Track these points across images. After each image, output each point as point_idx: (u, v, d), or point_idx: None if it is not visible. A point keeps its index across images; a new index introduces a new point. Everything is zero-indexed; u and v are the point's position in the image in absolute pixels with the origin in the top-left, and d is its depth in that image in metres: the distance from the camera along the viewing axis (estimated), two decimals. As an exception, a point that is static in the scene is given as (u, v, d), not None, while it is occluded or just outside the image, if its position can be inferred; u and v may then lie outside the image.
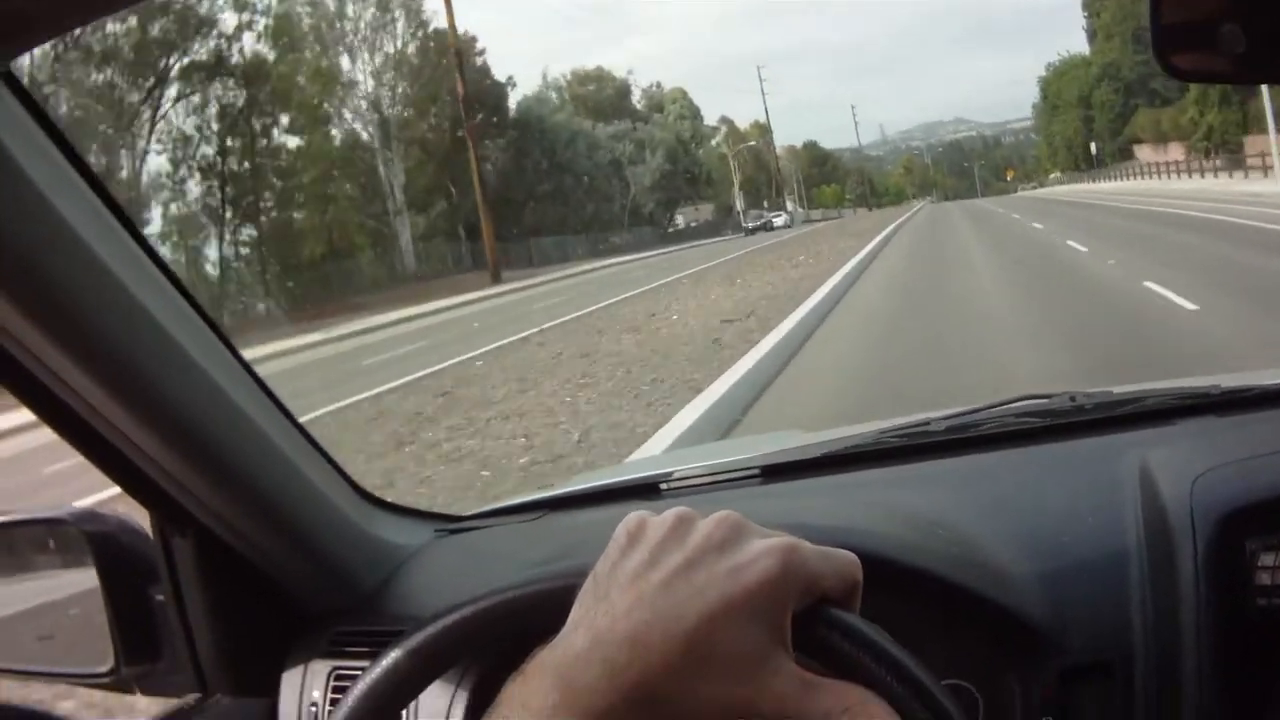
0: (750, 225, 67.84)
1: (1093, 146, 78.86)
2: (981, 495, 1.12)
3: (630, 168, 64.84)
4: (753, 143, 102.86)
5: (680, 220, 75.75)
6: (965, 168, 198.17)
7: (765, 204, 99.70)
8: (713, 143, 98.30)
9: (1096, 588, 0.96)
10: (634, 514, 0.60)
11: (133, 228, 0.85)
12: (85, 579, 1.08)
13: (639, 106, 79.23)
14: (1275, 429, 1.16)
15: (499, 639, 0.75)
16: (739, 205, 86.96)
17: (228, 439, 0.93)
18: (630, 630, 0.52)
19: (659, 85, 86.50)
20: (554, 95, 69.38)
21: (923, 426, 1.28)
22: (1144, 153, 70.01)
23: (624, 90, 78.86)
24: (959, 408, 1.31)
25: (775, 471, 1.29)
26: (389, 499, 1.20)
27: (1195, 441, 1.14)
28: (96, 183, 0.82)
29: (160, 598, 1.09)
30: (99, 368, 0.83)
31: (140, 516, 1.06)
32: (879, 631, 0.58)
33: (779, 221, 71.88)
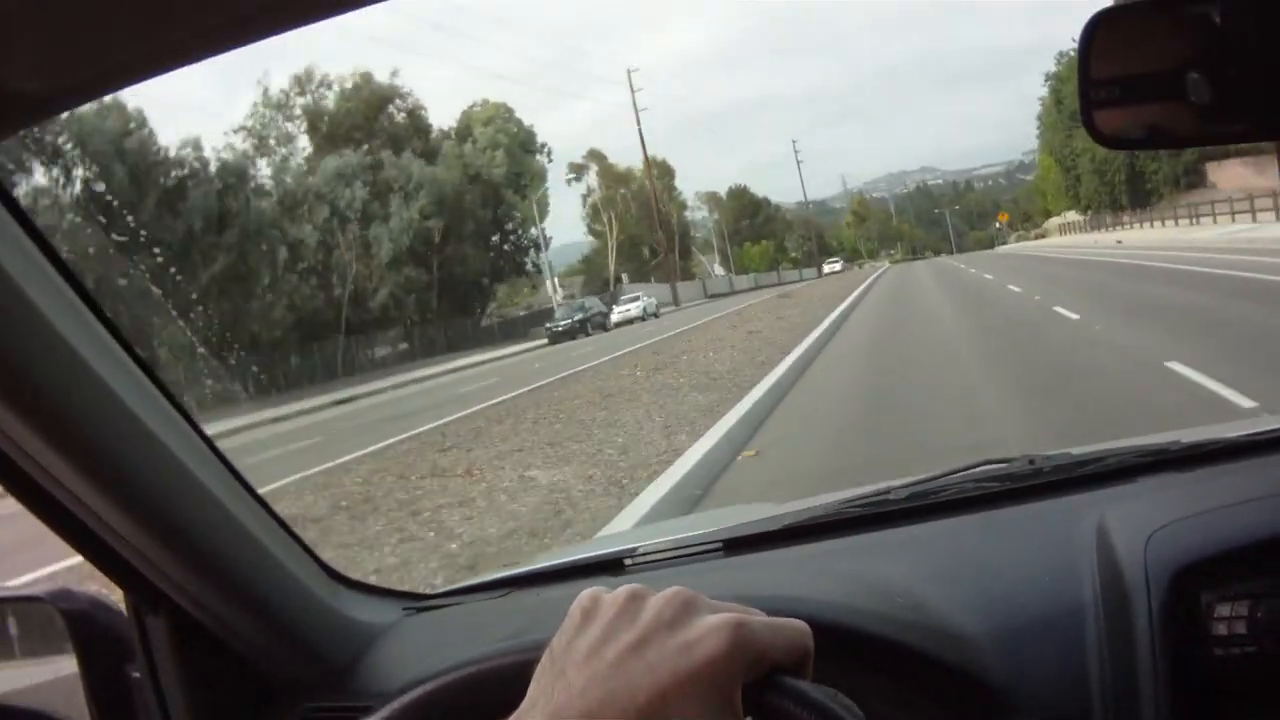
0: (562, 323, 45.83)
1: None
2: (940, 561, 1.20)
3: (376, 226, 45.29)
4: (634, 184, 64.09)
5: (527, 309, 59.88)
6: (936, 215, 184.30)
7: (648, 277, 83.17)
8: (579, 184, 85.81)
9: (1054, 647, 1.02)
10: (588, 591, 0.65)
11: (100, 311, 0.94)
12: (62, 657, 1.18)
13: (434, 130, 57.02)
14: (1233, 482, 1.22)
15: (462, 713, 0.82)
16: (618, 278, 74.11)
17: (197, 519, 1.04)
18: (585, 708, 0.57)
19: (481, 103, 61.44)
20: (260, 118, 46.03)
21: (883, 495, 1.39)
22: (1226, 175, 47.56)
23: (379, 101, 53.98)
24: (919, 475, 1.41)
25: (737, 545, 1.39)
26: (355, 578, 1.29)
27: (1152, 498, 1.21)
28: (64, 267, 0.90)
29: (136, 674, 1.18)
30: (71, 450, 0.92)
31: (115, 594, 1.15)
32: (831, 695, 0.63)
33: (631, 311, 49.90)
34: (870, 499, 1.41)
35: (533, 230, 56.63)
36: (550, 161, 63.74)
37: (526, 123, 59.36)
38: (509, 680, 0.69)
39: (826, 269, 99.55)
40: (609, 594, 0.65)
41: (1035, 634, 1.04)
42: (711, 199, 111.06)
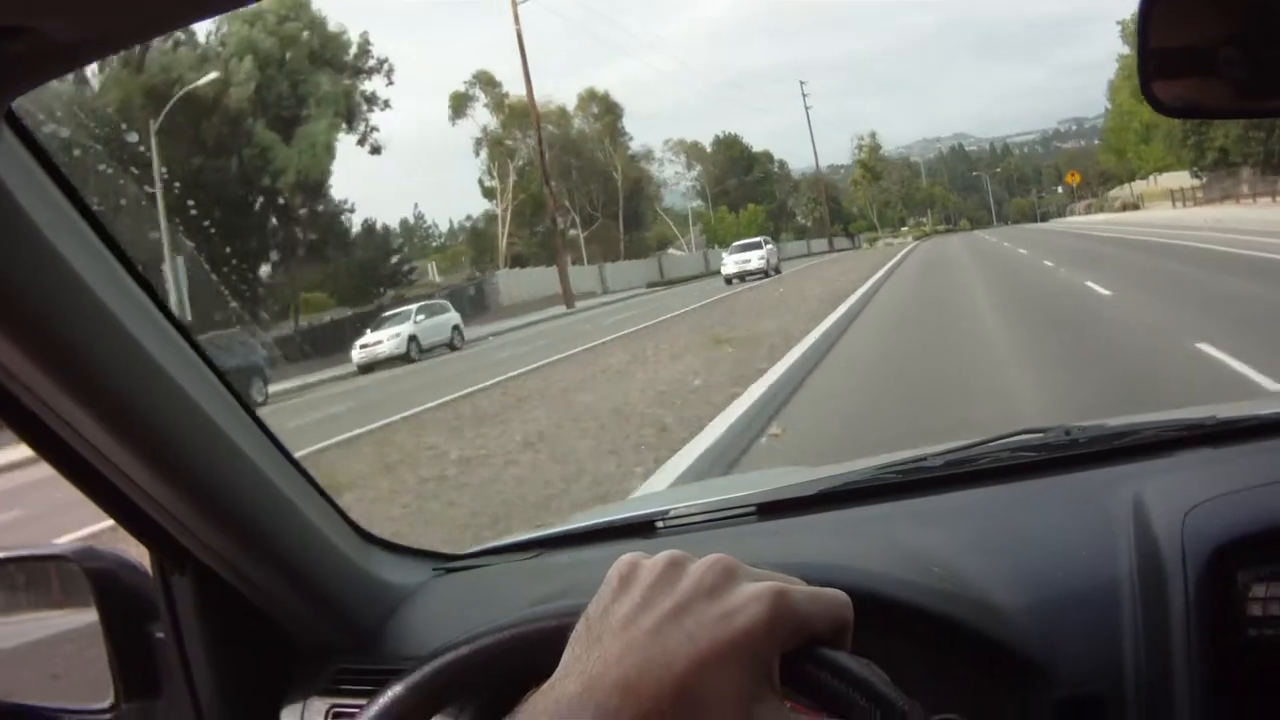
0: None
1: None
2: (977, 530, 1.25)
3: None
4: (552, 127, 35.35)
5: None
6: (972, 179, 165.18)
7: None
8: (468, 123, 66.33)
9: (1089, 621, 1.06)
10: (626, 556, 0.67)
11: (133, 267, 0.98)
12: (86, 615, 1.24)
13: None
14: (1270, 460, 1.27)
15: (494, 678, 0.85)
16: (516, 259, 59.66)
17: (226, 477, 1.09)
18: (622, 676, 0.59)
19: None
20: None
21: (920, 462, 1.45)
22: None
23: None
24: (956, 442, 1.48)
25: (771, 509, 1.44)
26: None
27: (1189, 474, 1.25)
28: (98, 223, 0.94)
29: (160, 634, 1.23)
30: (100, 407, 0.96)
31: (140, 554, 1.22)
32: (869, 667, 0.65)
33: (384, 348, 30.35)
34: (907, 465, 1.47)
35: (331, 190, 43.84)
36: (365, 77, 48.24)
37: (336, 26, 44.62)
38: (542, 645, 0.71)
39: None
40: (648, 559, 0.66)
41: (1070, 607, 1.07)
42: (691, 150, 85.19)
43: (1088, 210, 77.57)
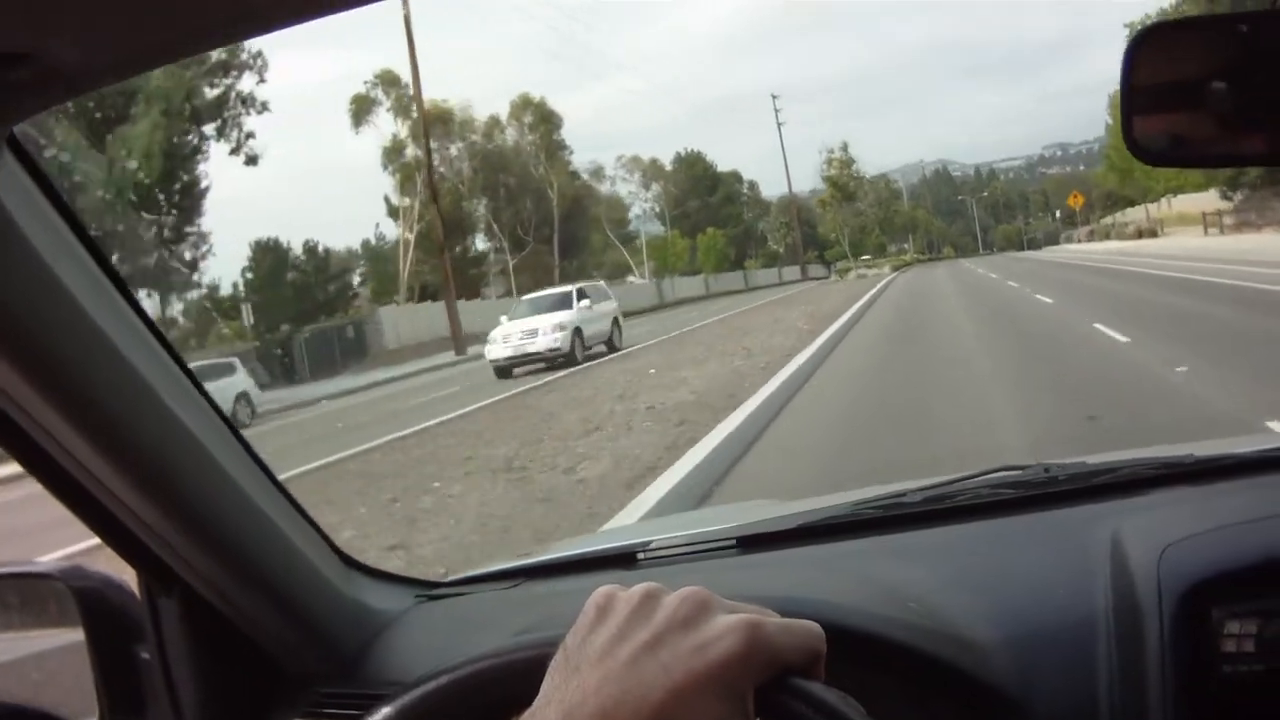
0: None
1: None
2: (954, 566, 1.26)
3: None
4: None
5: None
6: (957, 204, 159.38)
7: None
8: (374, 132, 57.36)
9: (1065, 658, 1.08)
10: (603, 588, 0.69)
11: (128, 292, 1.00)
12: (73, 634, 1.26)
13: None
14: (1247, 498, 1.29)
15: (475, 707, 0.85)
16: (427, 292, 51.20)
17: (213, 501, 1.11)
18: (599, 707, 0.60)
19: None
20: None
21: (899, 498, 1.48)
22: None
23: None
24: (935, 479, 1.50)
25: (751, 542, 1.47)
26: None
27: (1166, 512, 1.28)
28: (95, 248, 0.97)
29: (145, 655, 1.24)
30: (91, 428, 0.98)
31: (127, 574, 1.23)
32: (842, 698, 0.66)
33: None
34: (885, 501, 1.48)
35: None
36: (229, 74, 41.38)
37: None
38: (522, 675, 0.72)
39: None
40: (624, 591, 0.68)
41: (1047, 644, 1.09)
42: (649, 168, 75.54)
43: (1090, 237, 66.98)
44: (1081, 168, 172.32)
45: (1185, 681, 1.00)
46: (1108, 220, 67.72)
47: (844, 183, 71.62)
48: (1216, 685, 1.01)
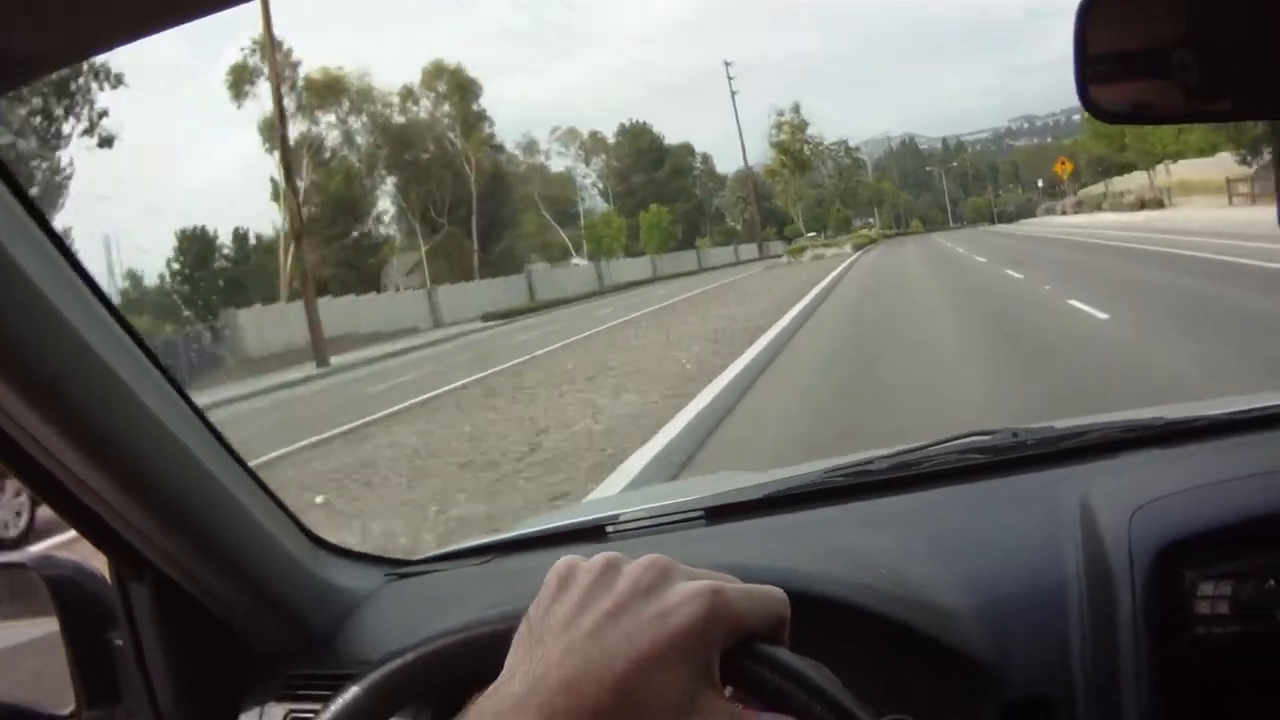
0: None
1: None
2: (923, 533, 1.29)
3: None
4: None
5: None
6: (924, 176, 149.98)
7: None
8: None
9: (1036, 622, 1.11)
10: (564, 559, 0.71)
11: (86, 275, 1.02)
12: (46, 623, 1.29)
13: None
14: (1218, 460, 1.32)
15: (443, 682, 0.88)
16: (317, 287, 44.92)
17: (181, 484, 1.14)
18: (564, 677, 0.62)
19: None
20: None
21: (865, 465, 1.52)
22: None
23: None
24: (902, 446, 1.54)
25: (719, 513, 1.50)
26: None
27: (1136, 474, 1.30)
28: (50, 230, 0.98)
29: (119, 642, 1.28)
30: (56, 413, 1.00)
31: (98, 561, 1.27)
32: (809, 664, 0.68)
33: None
34: (852, 469, 1.51)
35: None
36: None
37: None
38: (488, 649, 0.74)
39: None
40: (585, 562, 0.70)
41: (1017, 608, 1.11)
42: (591, 141, 67.96)
43: (1078, 208, 59.28)
44: (1049, 139, 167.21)
45: (1158, 644, 1.02)
46: (1095, 189, 60.03)
47: (795, 149, 61.91)
48: (1189, 647, 1.02)
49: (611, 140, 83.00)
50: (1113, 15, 0.88)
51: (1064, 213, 66.19)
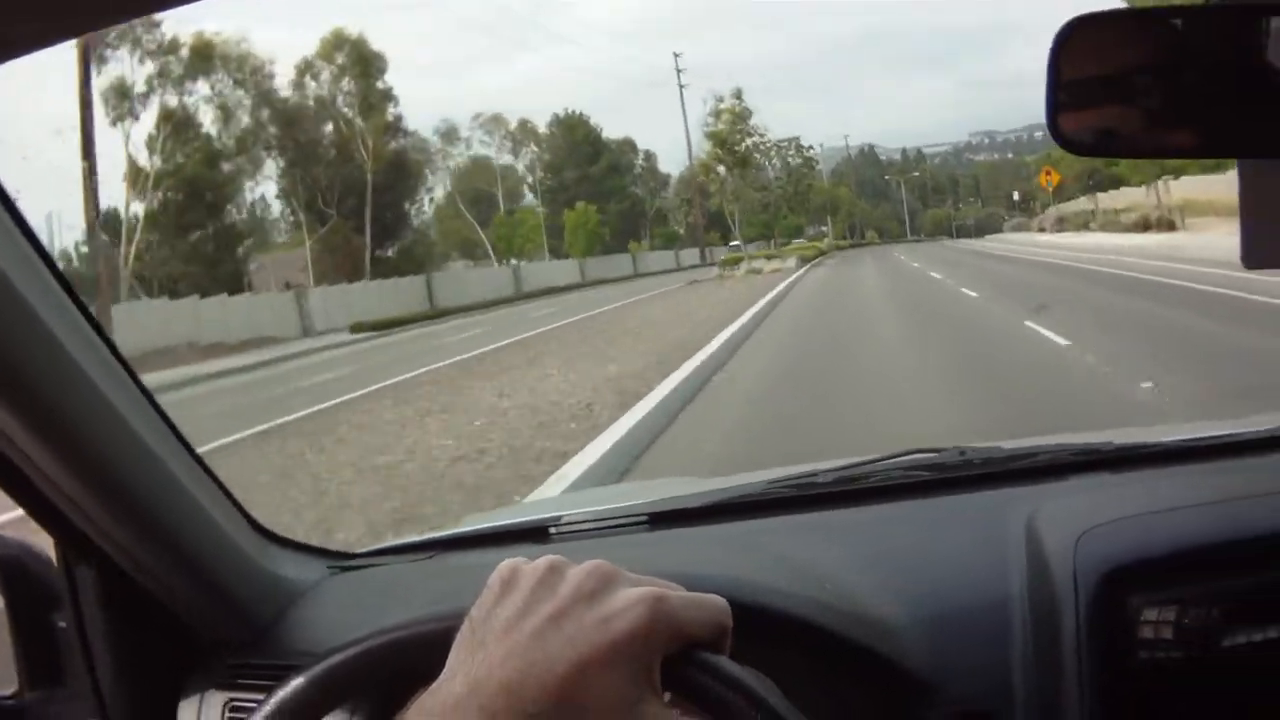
0: None
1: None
2: (866, 547, 1.34)
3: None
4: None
5: None
6: (882, 185, 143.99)
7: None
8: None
9: (978, 639, 1.15)
10: (507, 562, 0.74)
11: (44, 253, 1.05)
12: None
13: None
14: (1166, 487, 1.37)
15: (384, 679, 0.92)
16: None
17: (129, 469, 1.18)
18: (505, 679, 0.65)
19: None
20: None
21: (810, 478, 1.56)
22: None
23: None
24: (849, 459, 1.60)
25: (663, 519, 1.55)
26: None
27: (1084, 498, 1.35)
28: (10, 204, 1.02)
29: (63, 624, 1.31)
30: (7, 395, 1.03)
31: (46, 542, 1.30)
32: (749, 673, 0.71)
33: None
34: (798, 480, 1.56)
35: None
36: None
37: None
38: (430, 647, 0.75)
39: None
40: (528, 565, 0.73)
41: (959, 626, 1.16)
42: (521, 130, 60.67)
43: (1060, 226, 51.45)
44: (1010, 155, 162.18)
45: (1101, 667, 1.05)
46: (1074, 205, 52.74)
47: (734, 141, 49.59)
48: (1133, 671, 1.06)
49: (544, 130, 77.35)
50: (1089, 44, 0.89)
51: (1042, 230, 59.40)
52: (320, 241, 51.76)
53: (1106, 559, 1.09)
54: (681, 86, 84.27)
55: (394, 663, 0.87)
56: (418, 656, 0.82)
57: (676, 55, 76.30)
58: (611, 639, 0.65)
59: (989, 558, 1.21)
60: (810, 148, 54.80)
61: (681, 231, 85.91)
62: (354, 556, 1.58)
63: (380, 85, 55.89)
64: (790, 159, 55.59)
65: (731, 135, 49.39)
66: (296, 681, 0.88)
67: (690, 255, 77.35)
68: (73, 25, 0.78)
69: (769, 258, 48.57)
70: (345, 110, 55.11)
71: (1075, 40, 0.89)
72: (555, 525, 1.55)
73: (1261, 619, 1.07)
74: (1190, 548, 1.10)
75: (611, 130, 78.93)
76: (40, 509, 1.15)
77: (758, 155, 52.79)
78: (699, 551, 1.41)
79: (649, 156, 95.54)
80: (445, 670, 0.68)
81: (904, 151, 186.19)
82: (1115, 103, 0.89)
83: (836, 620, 1.15)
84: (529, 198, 73.26)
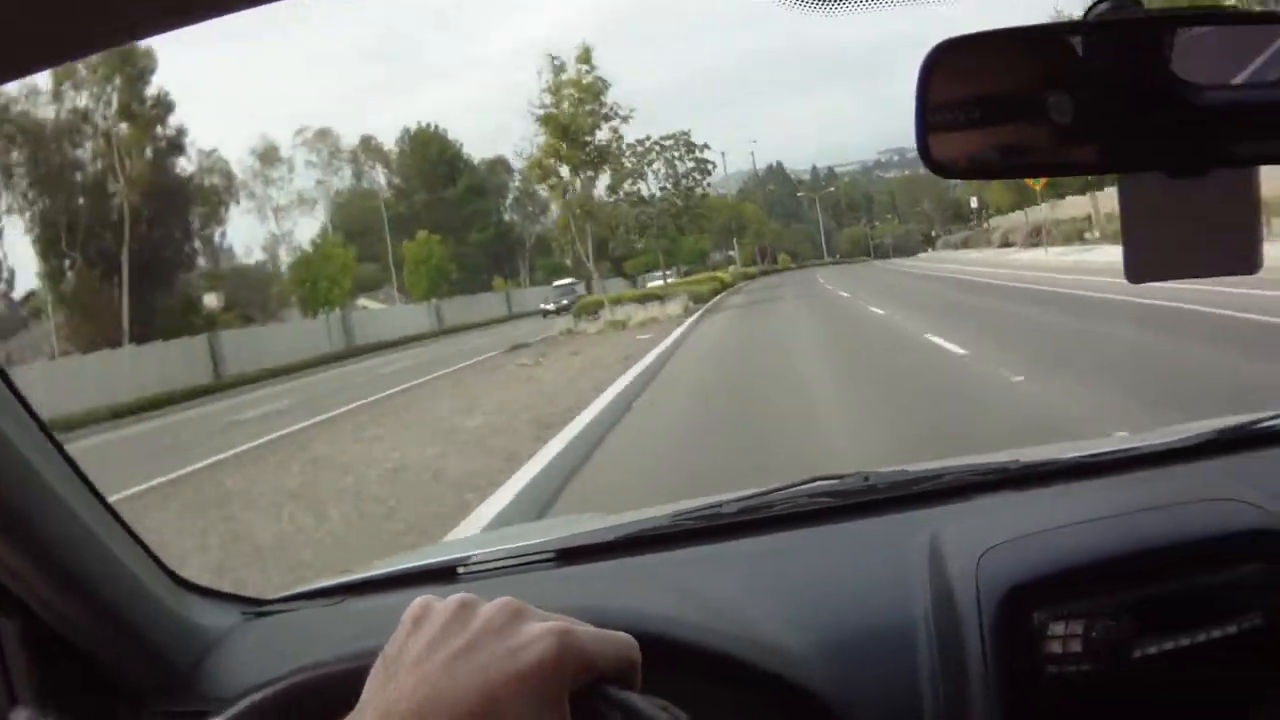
0: None
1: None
2: (771, 575, 1.36)
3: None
4: None
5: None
6: (793, 206, 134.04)
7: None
8: None
9: (884, 662, 1.18)
10: (420, 599, 0.75)
11: None
12: None
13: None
14: (1067, 503, 1.39)
15: (299, 718, 0.92)
16: None
17: (42, 520, 1.19)
18: (415, 708, 0.66)
19: None
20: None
21: (715, 509, 1.57)
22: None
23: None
24: (752, 489, 1.60)
25: (570, 555, 1.56)
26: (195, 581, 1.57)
27: (986, 517, 1.37)
28: None
29: None
30: None
31: None
32: (657, 706, 0.71)
33: None
34: (702, 512, 1.56)
35: None
36: None
37: None
38: (343, 686, 0.76)
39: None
40: (440, 602, 0.74)
41: (865, 649, 1.18)
42: (365, 149, 48.91)
43: (1033, 240, 39.06)
44: (921, 171, 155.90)
45: (1008, 684, 1.07)
46: (1071, 211, 41.40)
47: (582, 128, 32.72)
48: (1042, 687, 1.08)
49: (393, 149, 66.06)
50: (959, 66, 0.89)
51: (1007, 244, 45.88)
52: (66, 298, 39.52)
53: (1008, 576, 1.10)
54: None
55: (308, 703, 0.86)
56: (333, 695, 0.81)
57: (553, 58, 62.84)
58: (520, 669, 0.66)
59: (893, 581, 1.22)
60: (704, 146, 40.38)
61: (567, 262, 74.55)
62: (267, 603, 1.58)
63: (149, 92, 43.27)
64: (678, 161, 41.27)
65: (578, 120, 32.74)
66: None
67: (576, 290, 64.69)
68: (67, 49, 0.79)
69: (642, 299, 31.85)
70: (102, 121, 44.42)
71: (944, 64, 0.88)
72: (463, 565, 1.56)
73: (1170, 629, 1.09)
74: (1091, 562, 1.12)
75: (489, 150, 66.85)
76: None
77: (626, 154, 37.34)
78: (606, 586, 1.43)
79: (527, 178, 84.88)
80: (358, 705, 0.69)
81: (814, 169, 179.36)
82: (987, 123, 0.87)
83: (744, 649, 1.16)
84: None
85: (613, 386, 12.83)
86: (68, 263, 39.51)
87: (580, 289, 46.49)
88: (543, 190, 36.24)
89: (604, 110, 33.45)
